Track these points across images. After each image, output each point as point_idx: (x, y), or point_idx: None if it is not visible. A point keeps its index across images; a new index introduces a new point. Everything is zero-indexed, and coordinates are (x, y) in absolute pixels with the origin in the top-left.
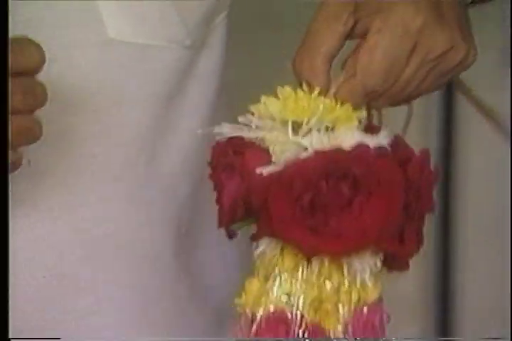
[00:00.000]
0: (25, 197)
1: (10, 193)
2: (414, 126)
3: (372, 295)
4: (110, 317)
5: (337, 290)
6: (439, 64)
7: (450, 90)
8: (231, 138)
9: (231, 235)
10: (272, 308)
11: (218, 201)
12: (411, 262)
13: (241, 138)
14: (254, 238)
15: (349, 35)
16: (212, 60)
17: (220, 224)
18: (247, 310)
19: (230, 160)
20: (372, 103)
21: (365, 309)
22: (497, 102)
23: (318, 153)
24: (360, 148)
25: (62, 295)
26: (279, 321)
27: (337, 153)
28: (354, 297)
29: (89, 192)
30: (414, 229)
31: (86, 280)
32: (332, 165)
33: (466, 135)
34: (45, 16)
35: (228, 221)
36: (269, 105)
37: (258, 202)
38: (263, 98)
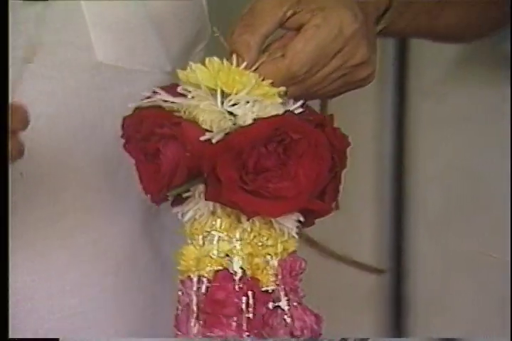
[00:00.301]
0: (19, 206)
1: (10, 197)
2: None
3: (293, 245)
4: (92, 317)
5: (265, 245)
6: (349, 73)
7: (403, 95)
8: (153, 110)
9: (160, 201)
10: (216, 268)
11: (153, 169)
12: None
13: (164, 109)
14: (208, 200)
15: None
16: None
17: (156, 190)
18: (191, 275)
19: (169, 130)
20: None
21: (288, 259)
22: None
23: (261, 121)
24: (290, 116)
25: (50, 297)
26: (226, 279)
27: (277, 119)
28: (279, 249)
29: (75, 202)
30: (334, 188)
31: (72, 283)
32: (273, 132)
33: (416, 138)
34: (42, 35)
35: (165, 186)
36: (199, 74)
37: (207, 168)
38: (193, 65)
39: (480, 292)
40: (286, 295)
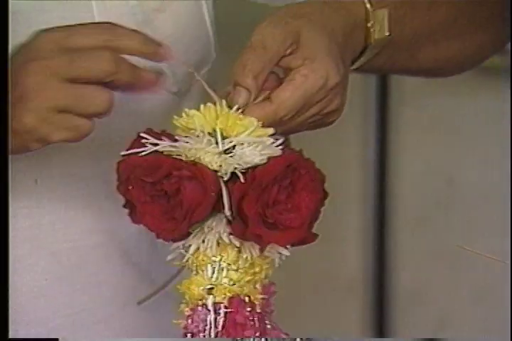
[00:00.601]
0: (31, 211)
1: (9, 194)
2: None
3: (270, 272)
4: (99, 313)
5: (255, 273)
6: (321, 119)
7: (384, 101)
8: (161, 155)
9: (173, 238)
10: (231, 295)
11: (165, 209)
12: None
13: (162, 154)
14: (234, 235)
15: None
16: (194, 102)
17: (172, 227)
18: (206, 303)
19: (188, 172)
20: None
21: (266, 284)
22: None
23: (277, 159)
24: (293, 154)
25: (61, 294)
26: (241, 304)
27: (291, 156)
28: (263, 276)
29: (85, 209)
30: (317, 218)
31: (81, 282)
32: (287, 168)
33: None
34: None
35: (187, 224)
36: (197, 120)
37: (234, 205)
38: (189, 112)
39: (456, 282)
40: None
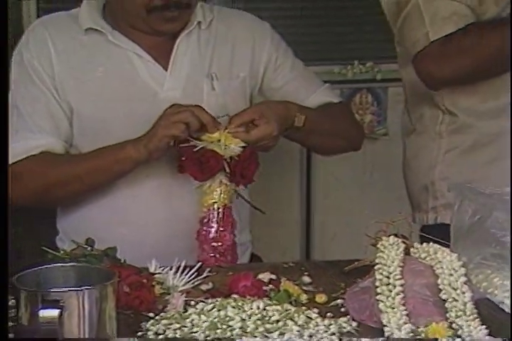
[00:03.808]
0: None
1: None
2: None
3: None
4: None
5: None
6: (265, 146)
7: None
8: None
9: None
10: (223, 204)
11: (200, 167)
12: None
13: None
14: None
15: None
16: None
17: (203, 177)
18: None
19: (213, 153)
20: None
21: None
22: None
23: (245, 151)
24: (251, 149)
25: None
26: (226, 210)
27: (250, 150)
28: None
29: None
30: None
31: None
32: (250, 154)
33: None
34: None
35: (211, 174)
36: (214, 136)
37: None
38: (212, 135)
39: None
40: None
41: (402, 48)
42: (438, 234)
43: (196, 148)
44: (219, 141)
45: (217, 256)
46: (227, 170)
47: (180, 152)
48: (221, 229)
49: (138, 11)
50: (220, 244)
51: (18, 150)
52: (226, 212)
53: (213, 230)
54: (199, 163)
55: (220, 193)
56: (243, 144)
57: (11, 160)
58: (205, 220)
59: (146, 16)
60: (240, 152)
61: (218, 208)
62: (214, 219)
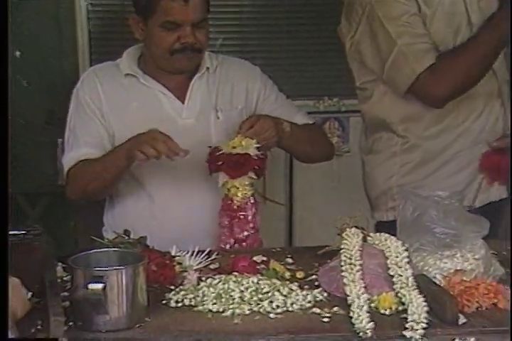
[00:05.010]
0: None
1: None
2: None
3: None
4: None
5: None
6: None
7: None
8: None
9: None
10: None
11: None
12: None
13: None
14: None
15: None
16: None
17: (236, 175)
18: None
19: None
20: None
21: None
22: None
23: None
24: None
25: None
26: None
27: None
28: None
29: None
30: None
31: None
32: (260, 155)
33: None
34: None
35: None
36: (233, 142)
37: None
38: (231, 142)
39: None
40: None
41: (373, 87)
42: (392, 227)
43: (226, 153)
44: (241, 144)
45: (254, 232)
46: (256, 167)
47: (214, 158)
48: (255, 211)
49: (163, 53)
50: (254, 224)
51: (70, 159)
52: (255, 199)
53: (250, 214)
54: (234, 165)
55: (250, 185)
56: (258, 145)
57: (66, 168)
58: (242, 208)
59: (169, 57)
60: (258, 151)
61: (250, 197)
62: (249, 206)
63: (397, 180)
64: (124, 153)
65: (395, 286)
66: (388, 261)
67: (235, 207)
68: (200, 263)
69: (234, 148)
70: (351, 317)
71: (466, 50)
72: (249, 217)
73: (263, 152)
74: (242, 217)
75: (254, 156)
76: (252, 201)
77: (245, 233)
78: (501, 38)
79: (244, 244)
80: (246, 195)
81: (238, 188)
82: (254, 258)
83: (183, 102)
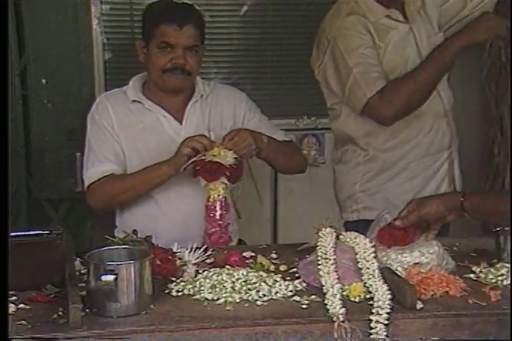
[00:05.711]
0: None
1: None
2: None
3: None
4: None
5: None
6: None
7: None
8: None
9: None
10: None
11: (212, 175)
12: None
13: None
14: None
15: None
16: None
17: (213, 179)
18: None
19: (212, 163)
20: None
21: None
22: None
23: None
24: (241, 160)
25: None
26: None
27: (240, 160)
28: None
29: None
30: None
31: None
32: (239, 162)
33: None
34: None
35: (215, 178)
36: (214, 151)
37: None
38: (212, 151)
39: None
40: None
41: (340, 108)
42: (357, 226)
43: (206, 160)
44: (220, 154)
45: (220, 229)
46: (228, 174)
47: (195, 164)
48: (224, 212)
49: (157, 71)
50: (222, 222)
51: (92, 174)
52: (226, 201)
53: (218, 213)
54: (209, 170)
55: (222, 189)
56: (236, 155)
57: (88, 182)
58: (212, 207)
59: (161, 75)
60: (234, 161)
61: (221, 199)
62: (218, 206)
63: (360, 186)
64: (172, 161)
65: (363, 277)
66: (357, 256)
67: (208, 205)
68: (198, 258)
69: (214, 156)
70: (326, 304)
71: (409, 79)
72: (217, 216)
73: (237, 162)
74: (211, 215)
75: (226, 165)
76: (223, 204)
77: (212, 229)
78: (440, 70)
79: (211, 238)
80: (217, 197)
81: (212, 190)
82: (244, 254)
83: (180, 123)
